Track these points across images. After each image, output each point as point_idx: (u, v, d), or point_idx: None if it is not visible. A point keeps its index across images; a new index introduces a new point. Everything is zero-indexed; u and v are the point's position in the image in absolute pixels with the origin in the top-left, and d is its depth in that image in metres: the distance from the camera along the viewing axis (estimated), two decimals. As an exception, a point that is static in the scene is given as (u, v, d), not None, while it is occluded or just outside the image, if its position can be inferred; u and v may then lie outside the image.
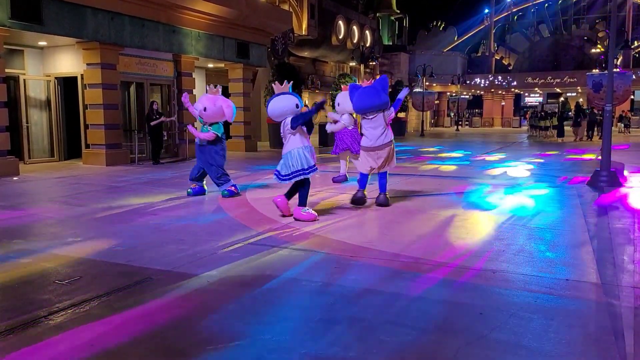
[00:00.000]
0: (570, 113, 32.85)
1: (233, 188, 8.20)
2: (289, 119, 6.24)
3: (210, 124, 8.08)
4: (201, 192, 8.33)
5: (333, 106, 9.67)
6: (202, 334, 3.15)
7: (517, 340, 3.08)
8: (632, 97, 40.14)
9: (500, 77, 47.24)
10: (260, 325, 3.28)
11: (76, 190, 8.96)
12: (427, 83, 37.80)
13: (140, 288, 3.97)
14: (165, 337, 3.13)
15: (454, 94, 46.71)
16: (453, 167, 12.68)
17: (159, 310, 3.56)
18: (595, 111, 24.84)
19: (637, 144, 21.45)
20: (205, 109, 7.93)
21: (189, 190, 8.31)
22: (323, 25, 26.15)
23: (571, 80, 43.59)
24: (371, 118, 7.04)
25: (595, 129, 24.24)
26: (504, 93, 47.86)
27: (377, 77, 8.01)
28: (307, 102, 23.28)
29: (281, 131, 6.40)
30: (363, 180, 7.32)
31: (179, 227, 6.08)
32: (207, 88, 8.41)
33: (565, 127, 25.49)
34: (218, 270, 4.42)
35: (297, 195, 6.41)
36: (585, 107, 35.01)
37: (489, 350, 2.96)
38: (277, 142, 17.14)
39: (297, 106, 6.28)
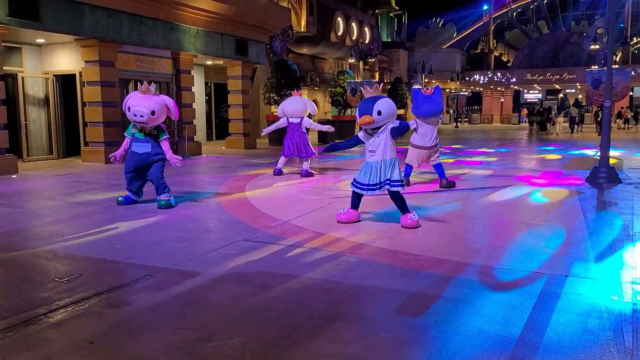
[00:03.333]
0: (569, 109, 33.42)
1: (169, 197, 7.09)
2: (391, 125, 5.81)
3: (155, 129, 6.99)
4: (131, 201, 7.25)
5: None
6: (201, 331, 3.16)
7: (517, 335, 3.09)
8: (631, 93, 40.18)
9: (499, 74, 47.28)
10: (260, 322, 3.29)
11: (75, 188, 8.95)
12: (426, 80, 37.81)
13: (140, 286, 3.97)
14: (163, 335, 3.14)
15: (453, 91, 46.74)
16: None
17: (157, 308, 3.56)
18: (574, 108, 29.54)
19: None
20: (153, 113, 6.70)
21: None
22: (322, 22, 26.15)
23: (570, 76, 43.66)
24: (428, 122, 8.24)
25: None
26: (503, 90, 47.90)
27: (433, 87, 8.34)
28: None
29: (379, 135, 5.80)
30: (407, 170, 8.51)
31: (178, 224, 6.08)
32: (139, 86, 7.11)
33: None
34: (217, 267, 4.42)
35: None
36: (584, 104, 35.30)
37: (488, 345, 2.97)
38: (276, 140, 17.19)
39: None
